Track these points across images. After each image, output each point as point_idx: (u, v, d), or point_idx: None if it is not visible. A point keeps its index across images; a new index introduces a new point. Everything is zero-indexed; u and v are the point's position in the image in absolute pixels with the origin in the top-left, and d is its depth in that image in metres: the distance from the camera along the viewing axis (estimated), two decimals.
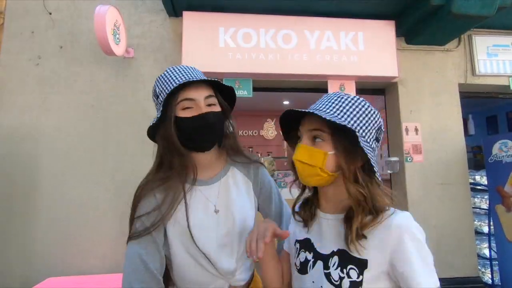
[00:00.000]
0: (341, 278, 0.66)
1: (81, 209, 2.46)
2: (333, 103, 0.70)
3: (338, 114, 0.68)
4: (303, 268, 0.77)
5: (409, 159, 2.90)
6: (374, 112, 0.70)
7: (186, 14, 2.69)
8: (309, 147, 0.70)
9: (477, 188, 3.16)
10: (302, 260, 0.77)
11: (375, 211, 0.66)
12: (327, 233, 0.74)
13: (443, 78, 3.05)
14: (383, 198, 0.68)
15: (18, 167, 2.46)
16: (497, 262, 2.71)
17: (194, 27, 2.69)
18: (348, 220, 0.68)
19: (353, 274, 0.65)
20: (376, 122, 0.70)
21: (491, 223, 2.73)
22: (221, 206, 0.88)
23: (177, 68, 0.86)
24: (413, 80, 3.01)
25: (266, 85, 3.01)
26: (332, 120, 0.65)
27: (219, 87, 0.91)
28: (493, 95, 3.32)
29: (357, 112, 0.68)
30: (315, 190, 0.81)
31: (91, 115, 2.59)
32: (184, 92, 0.82)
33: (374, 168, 0.66)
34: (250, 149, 6.19)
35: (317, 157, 0.69)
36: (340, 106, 0.69)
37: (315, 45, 2.78)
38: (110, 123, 2.58)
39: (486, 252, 2.89)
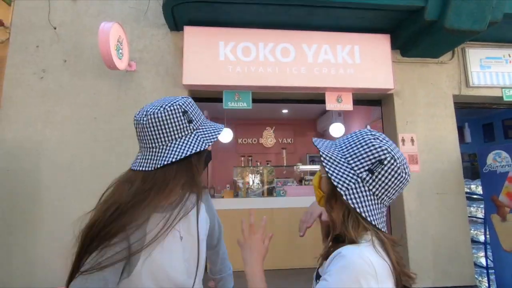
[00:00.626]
0: None
1: (84, 221, 2.49)
2: (342, 137, 0.81)
3: (338, 142, 0.79)
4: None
5: None
6: (374, 145, 0.71)
7: (187, 29, 2.77)
8: (317, 172, 0.83)
9: (473, 197, 3.21)
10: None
11: (348, 241, 0.70)
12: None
13: (438, 90, 3.12)
14: (350, 231, 0.70)
15: (21, 179, 2.50)
16: (493, 271, 2.75)
17: (194, 41, 2.76)
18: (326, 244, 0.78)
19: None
20: (373, 154, 0.71)
21: (487, 232, 2.77)
22: (183, 230, 0.87)
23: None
24: (408, 92, 3.09)
25: (265, 96, 3.08)
26: (314, 144, 0.79)
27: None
28: (487, 106, 3.40)
29: (354, 142, 0.74)
30: None
31: (93, 128, 2.64)
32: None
33: (340, 189, 0.69)
34: (250, 158, 6.24)
35: (316, 178, 0.82)
36: (348, 137, 0.78)
37: (313, 59, 2.86)
38: (112, 136, 2.63)
39: (483, 260, 2.92)
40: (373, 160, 0.71)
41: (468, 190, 3.20)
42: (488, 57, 3.19)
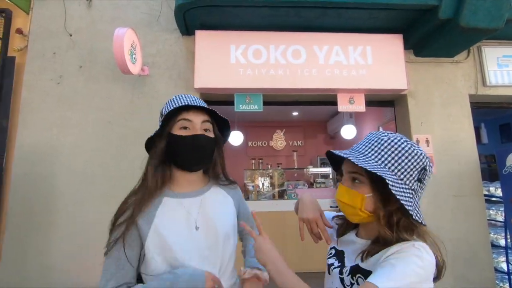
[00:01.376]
0: (351, 284, 0.77)
1: (97, 224, 2.53)
2: (371, 145, 0.74)
3: (375, 158, 0.72)
4: (328, 270, 0.89)
5: None
6: (416, 153, 0.70)
7: (199, 33, 2.79)
8: (348, 189, 0.76)
9: (492, 200, 3.11)
10: (329, 263, 0.90)
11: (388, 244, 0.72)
12: (355, 251, 0.82)
13: (454, 90, 3.05)
14: (404, 236, 0.72)
15: (37, 184, 2.56)
16: None
17: (206, 45, 2.78)
18: (373, 243, 0.76)
19: (361, 281, 0.74)
20: (418, 163, 0.70)
21: (508, 236, 2.67)
22: (202, 222, 0.93)
23: (184, 95, 0.98)
24: (423, 92, 3.03)
25: (276, 99, 3.08)
26: (363, 167, 0.69)
27: (217, 117, 1.03)
28: (505, 106, 3.30)
29: (396, 155, 0.70)
30: None
31: (108, 132, 2.69)
32: (184, 113, 0.94)
33: (410, 212, 0.68)
34: (260, 161, 6.23)
35: (355, 199, 0.74)
36: (378, 149, 0.73)
37: (324, 60, 2.84)
38: (126, 140, 2.67)
39: (504, 266, 2.82)
40: (419, 169, 0.70)
41: (486, 193, 3.11)
42: (506, 55, 3.10)
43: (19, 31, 2.71)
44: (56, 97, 2.71)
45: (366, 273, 0.73)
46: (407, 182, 0.70)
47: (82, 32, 2.83)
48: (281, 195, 4.65)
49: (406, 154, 0.70)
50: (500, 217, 3.01)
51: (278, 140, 6.65)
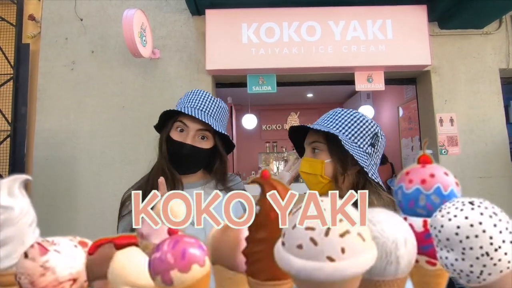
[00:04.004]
0: None
1: (116, 206, 2.59)
2: (328, 117, 0.83)
3: (331, 125, 0.79)
4: None
5: (444, 151, 2.75)
6: (367, 120, 0.80)
7: (209, 12, 2.70)
8: (309, 159, 0.81)
9: None
10: None
11: None
12: None
13: (482, 64, 2.83)
14: (374, 201, 0.74)
15: (60, 167, 2.64)
16: None
17: (216, 25, 2.70)
18: None
19: None
20: (370, 129, 0.79)
21: None
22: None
23: (196, 93, 0.96)
24: (447, 68, 2.83)
25: (290, 79, 2.98)
26: (318, 128, 0.77)
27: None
28: None
29: (349, 122, 0.79)
30: None
31: (122, 116, 2.70)
32: (182, 116, 0.92)
33: (364, 169, 0.74)
34: (275, 144, 6.17)
35: (316, 166, 0.79)
36: (333, 119, 0.81)
37: (341, 36, 2.69)
38: (140, 124, 2.68)
39: None
40: (371, 134, 0.78)
41: None
42: None
43: (32, 18, 2.72)
44: (71, 83, 2.73)
45: None
46: (361, 145, 0.77)
47: (92, 17, 2.80)
48: (296, 178, 4.62)
49: (358, 121, 0.79)
50: None
51: (293, 123, 6.55)
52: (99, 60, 2.76)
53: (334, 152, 0.77)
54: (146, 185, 0.95)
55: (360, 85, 2.78)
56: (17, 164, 2.63)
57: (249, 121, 5.47)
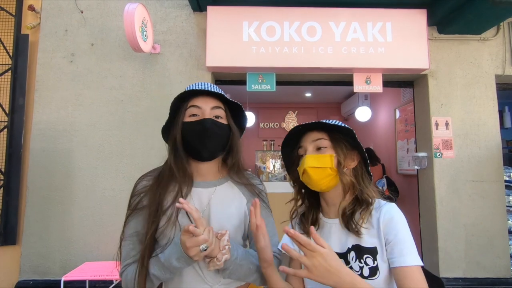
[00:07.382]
0: (361, 268, 0.80)
1: (112, 199, 2.60)
2: (323, 121, 0.88)
3: (334, 123, 0.87)
4: None
5: (439, 154, 2.79)
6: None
7: (210, 9, 2.70)
8: (316, 155, 0.86)
9: None
10: None
11: (365, 203, 0.83)
12: (334, 234, 0.87)
13: (479, 69, 2.87)
14: (371, 191, 0.85)
15: (56, 159, 2.63)
16: None
17: (218, 22, 2.70)
18: (343, 215, 0.85)
19: (370, 261, 0.79)
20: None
21: None
22: (206, 215, 0.89)
23: (197, 83, 0.93)
24: (444, 72, 2.87)
25: (289, 78, 2.99)
26: (333, 123, 0.85)
27: (230, 105, 0.95)
28: None
29: (339, 123, 0.87)
30: (310, 202, 0.95)
31: (120, 110, 2.70)
32: (193, 100, 0.90)
33: (367, 162, 0.88)
34: (272, 142, 6.20)
35: (325, 160, 0.85)
36: (330, 120, 0.88)
37: (341, 37, 2.71)
38: (138, 118, 2.68)
39: None
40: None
41: (507, 178, 2.99)
42: None
43: (31, 8, 2.70)
44: (70, 76, 2.72)
45: (372, 251, 0.79)
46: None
47: (92, 9, 2.79)
48: (284, 178, 4.65)
49: (343, 124, 0.87)
50: None
51: (291, 122, 6.56)
52: (99, 53, 2.75)
53: (340, 148, 0.86)
54: (157, 185, 0.90)
55: (358, 86, 2.81)
56: (13, 155, 2.62)
57: (248, 119, 5.47)
